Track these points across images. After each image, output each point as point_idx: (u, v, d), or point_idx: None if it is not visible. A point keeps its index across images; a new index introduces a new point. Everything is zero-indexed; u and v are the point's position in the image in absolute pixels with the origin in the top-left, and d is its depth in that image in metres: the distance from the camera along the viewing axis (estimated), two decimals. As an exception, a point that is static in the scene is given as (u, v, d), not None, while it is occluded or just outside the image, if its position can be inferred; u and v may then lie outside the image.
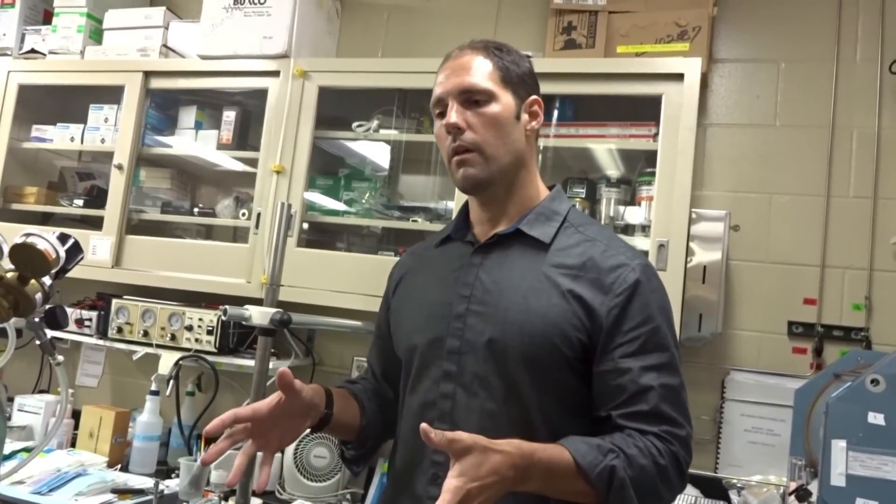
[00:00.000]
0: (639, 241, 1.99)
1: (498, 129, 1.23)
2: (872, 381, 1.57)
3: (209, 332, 2.27)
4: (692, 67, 1.92)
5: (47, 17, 2.76)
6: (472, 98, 1.23)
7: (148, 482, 2.08)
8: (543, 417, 1.17)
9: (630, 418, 1.13)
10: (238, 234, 2.47)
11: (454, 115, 1.22)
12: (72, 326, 2.42)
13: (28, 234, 1.10)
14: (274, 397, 1.16)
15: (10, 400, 2.46)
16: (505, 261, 1.25)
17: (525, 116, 1.28)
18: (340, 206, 2.39)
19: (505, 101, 1.24)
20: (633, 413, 1.13)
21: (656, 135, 1.97)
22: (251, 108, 2.48)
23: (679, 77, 1.92)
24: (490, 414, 1.18)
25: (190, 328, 2.28)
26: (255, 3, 2.34)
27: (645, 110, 2.00)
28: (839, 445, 1.56)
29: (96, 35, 2.65)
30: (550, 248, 1.23)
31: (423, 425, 0.98)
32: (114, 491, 2.02)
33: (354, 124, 2.31)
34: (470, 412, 1.19)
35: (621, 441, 1.10)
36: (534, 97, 1.29)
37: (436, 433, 0.97)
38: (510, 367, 1.18)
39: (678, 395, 1.16)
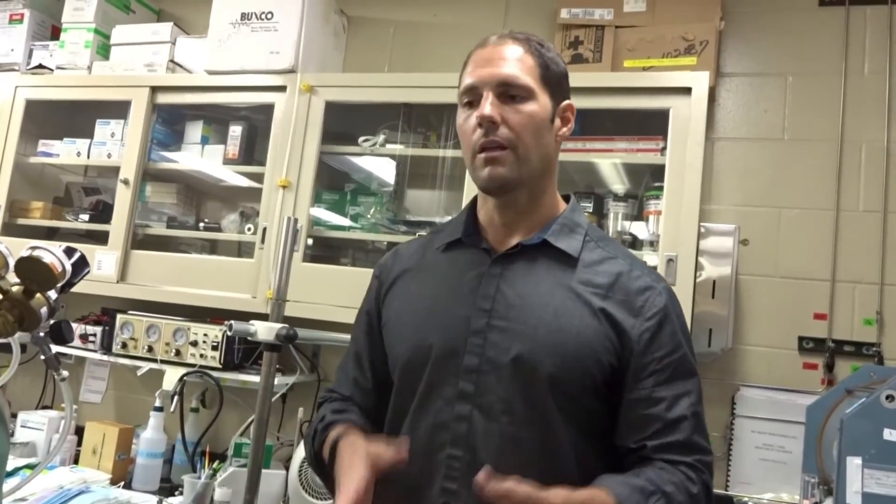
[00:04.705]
0: (647, 256, 1.98)
1: (533, 129, 1.14)
2: (887, 397, 1.55)
3: (214, 348, 2.25)
4: (700, 81, 1.92)
5: (55, 33, 2.77)
6: (510, 92, 1.13)
7: (151, 500, 2.06)
8: (570, 445, 1.10)
9: (664, 450, 1.08)
10: (243, 249, 2.46)
11: (489, 107, 1.12)
12: (76, 342, 2.41)
13: (34, 248, 1.09)
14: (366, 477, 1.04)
15: (14, 416, 2.45)
16: (530, 274, 1.16)
17: (558, 121, 1.20)
18: (346, 222, 2.39)
19: (542, 102, 1.16)
20: (668, 444, 1.08)
21: (664, 149, 1.96)
22: (257, 123, 2.48)
23: (687, 91, 1.92)
24: (511, 439, 1.10)
25: (195, 343, 2.27)
26: (262, 19, 2.35)
27: (652, 124, 1.99)
28: (854, 463, 1.53)
29: (104, 50, 2.66)
30: (578, 264, 1.17)
31: (481, 477, 0.94)
32: (117, 508, 2.00)
33: (360, 139, 2.31)
34: (489, 437, 1.10)
35: (657, 477, 1.05)
36: (568, 102, 1.21)
37: (490, 486, 0.94)
38: (536, 388, 1.09)
39: (703, 421, 1.13)
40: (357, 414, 1.27)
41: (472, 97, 1.16)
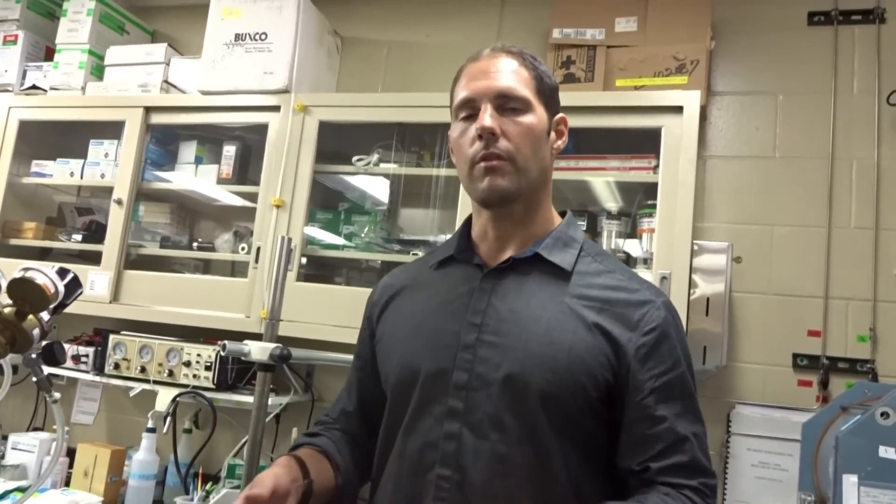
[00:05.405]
0: (640, 274, 1.96)
1: (532, 141, 1.13)
2: (882, 414, 1.55)
3: (207, 368, 2.24)
4: (691, 100, 1.93)
5: (49, 54, 2.78)
6: (508, 105, 1.13)
7: (143, 522, 2.04)
8: (564, 465, 1.06)
9: (668, 472, 1.05)
10: (237, 269, 2.46)
11: (489, 118, 1.11)
12: (68, 363, 2.39)
13: (27, 269, 1.08)
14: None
15: (5, 438, 2.42)
16: (522, 288, 1.14)
17: (553, 134, 1.20)
18: (340, 241, 2.39)
19: (539, 114, 1.16)
20: (672, 466, 1.05)
21: (656, 167, 1.97)
22: (251, 143, 2.48)
23: (678, 110, 1.93)
24: (502, 458, 1.06)
25: (188, 364, 2.25)
26: (256, 40, 2.36)
27: (645, 143, 2.00)
28: (851, 480, 1.53)
29: (98, 71, 2.66)
30: (572, 278, 1.15)
31: None
32: (108, 532, 1.97)
33: (354, 158, 2.32)
34: (479, 456, 1.07)
35: (660, 503, 1.03)
36: (561, 115, 1.22)
37: None
38: (528, 405, 1.06)
39: (705, 442, 1.10)
40: (330, 437, 1.27)
41: (470, 110, 1.15)
